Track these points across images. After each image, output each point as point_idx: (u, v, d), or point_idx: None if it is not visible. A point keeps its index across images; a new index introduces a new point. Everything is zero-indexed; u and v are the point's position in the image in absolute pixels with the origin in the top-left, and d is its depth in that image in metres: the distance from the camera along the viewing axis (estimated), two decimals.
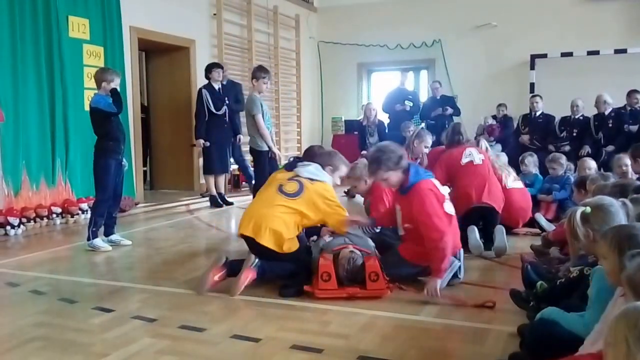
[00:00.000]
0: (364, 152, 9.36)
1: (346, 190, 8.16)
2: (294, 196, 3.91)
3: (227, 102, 7.81)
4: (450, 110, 10.32)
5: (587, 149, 8.38)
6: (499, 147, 9.14)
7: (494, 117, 10.22)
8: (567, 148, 8.61)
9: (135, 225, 6.53)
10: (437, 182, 3.78)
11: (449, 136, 5.63)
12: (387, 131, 10.06)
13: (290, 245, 3.84)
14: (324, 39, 12.64)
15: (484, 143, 5.87)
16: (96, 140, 5.17)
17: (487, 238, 4.76)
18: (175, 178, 9.33)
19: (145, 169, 9.27)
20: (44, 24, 6.61)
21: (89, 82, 6.83)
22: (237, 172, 9.78)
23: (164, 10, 8.48)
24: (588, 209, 2.59)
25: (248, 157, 7.91)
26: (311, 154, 4.52)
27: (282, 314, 3.33)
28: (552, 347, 2.31)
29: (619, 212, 2.58)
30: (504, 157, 7.01)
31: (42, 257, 4.95)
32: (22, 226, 6.03)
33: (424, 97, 11.54)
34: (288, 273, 3.80)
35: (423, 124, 10.57)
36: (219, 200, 7.80)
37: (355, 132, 10.33)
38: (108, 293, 3.84)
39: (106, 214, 5.25)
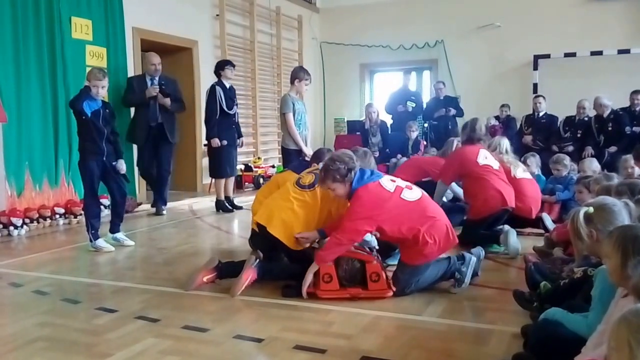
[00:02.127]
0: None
1: None
2: (308, 188, 3.93)
3: (236, 102, 7.53)
4: (453, 111, 10.32)
5: (589, 150, 8.37)
6: None
7: (497, 117, 10.22)
8: (571, 148, 8.59)
9: (138, 225, 6.54)
10: (385, 181, 3.64)
11: (468, 131, 5.57)
12: (390, 132, 10.08)
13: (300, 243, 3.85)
14: (326, 39, 12.64)
15: (505, 142, 5.82)
16: None
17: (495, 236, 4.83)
18: (177, 179, 9.33)
19: None
20: (46, 25, 6.61)
21: None
22: (240, 173, 9.78)
23: (167, 11, 8.49)
24: (591, 209, 2.58)
25: None
26: (319, 155, 4.55)
27: (285, 314, 3.33)
28: (555, 348, 2.31)
29: (622, 211, 2.57)
30: None
31: (45, 258, 4.95)
32: (25, 227, 6.03)
33: (426, 97, 11.54)
34: (288, 275, 3.80)
35: (426, 125, 10.59)
36: (227, 204, 7.48)
37: (358, 133, 10.34)
38: (111, 293, 3.85)
39: (112, 212, 5.30)
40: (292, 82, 6.88)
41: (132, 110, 7.54)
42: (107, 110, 5.20)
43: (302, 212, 3.85)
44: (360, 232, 3.55)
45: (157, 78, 7.37)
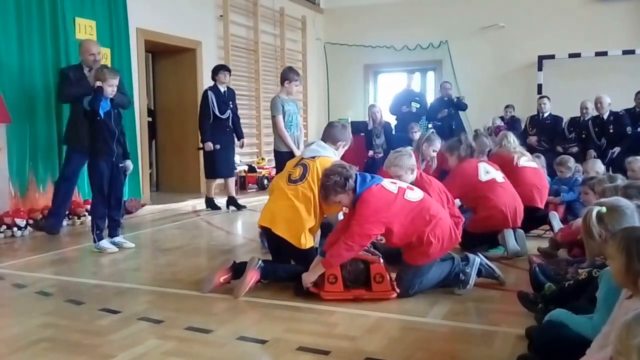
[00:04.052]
0: (370, 152, 9.37)
1: None
2: (300, 181, 3.92)
3: (230, 106, 7.60)
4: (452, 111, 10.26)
5: (592, 153, 8.31)
6: None
7: (502, 118, 10.20)
8: (575, 149, 8.55)
9: (142, 226, 6.54)
10: (387, 183, 3.66)
11: (462, 147, 5.12)
12: (394, 132, 10.06)
13: (307, 240, 3.85)
14: (330, 40, 12.64)
15: (510, 135, 5.73)
16: None
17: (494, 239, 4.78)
18: (181, 180, 9.35)
19: (151, 170, 9.28)
20: (50, 25, 6.62)
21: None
22: (243, 174, 9.79)
23: (171, 12, 8.50)
24: (604, 209, 2.56)
25: None
26: (332, 133, 4.42)
27: (289, 315, 3.32)
28: (560, 350, 2.30)
29: (634, 214, 2.55)
30: None
31: (48, 259, 4.95)
32: (28, 227, 6.03)
33: (431, 98, 11.52)
34: (292, 275, 3.79)
35: (430, 125, 10.55)
36: (231, 204, 7.56)
37: (362, 134, 10.32)
38: (114, 294, 3.84)
39: (107, 216, 5.23)
40: (282, 84, 6.81)
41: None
42: (116, 111, 5.20)
43: (302, 205, 3.85)
44: (370, 237, 3.55)
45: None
